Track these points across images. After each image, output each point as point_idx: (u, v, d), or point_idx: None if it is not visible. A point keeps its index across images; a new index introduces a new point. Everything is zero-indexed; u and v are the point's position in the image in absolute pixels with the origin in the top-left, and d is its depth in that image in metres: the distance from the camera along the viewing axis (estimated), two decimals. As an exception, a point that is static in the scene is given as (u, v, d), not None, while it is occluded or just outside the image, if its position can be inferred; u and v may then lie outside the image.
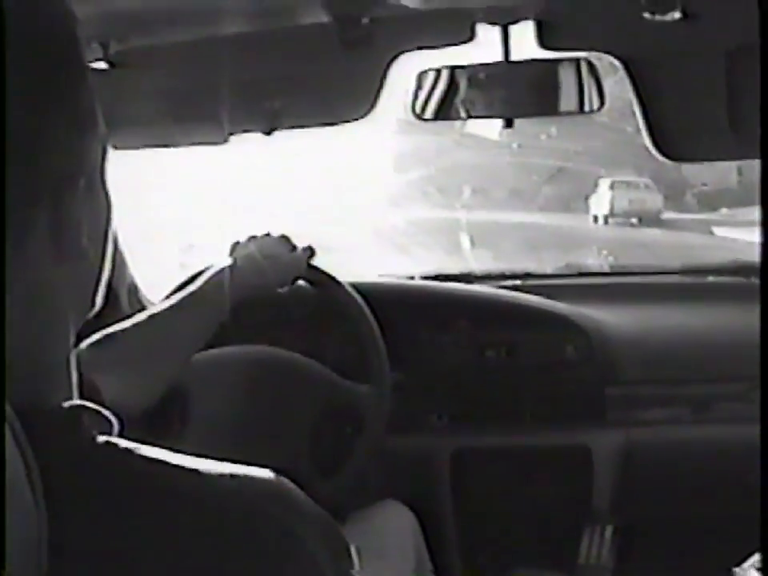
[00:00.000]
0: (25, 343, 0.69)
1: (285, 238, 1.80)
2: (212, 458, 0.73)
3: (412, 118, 1.84)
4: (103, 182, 0.76)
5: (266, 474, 0.73)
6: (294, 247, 1.81)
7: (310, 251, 1.84)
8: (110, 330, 1.50)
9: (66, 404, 0.70)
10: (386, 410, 1.92)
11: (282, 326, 2.12)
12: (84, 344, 1.41)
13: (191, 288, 1.60)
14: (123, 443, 0.70)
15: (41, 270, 0.70)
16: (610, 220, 13.88)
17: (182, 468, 0.70)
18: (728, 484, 2.12)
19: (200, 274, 1.85)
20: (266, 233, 1.80)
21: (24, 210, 0.68)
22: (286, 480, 0.74)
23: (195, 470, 0.70)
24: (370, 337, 1.95)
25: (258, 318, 2.03)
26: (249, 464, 0.73)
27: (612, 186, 14.02)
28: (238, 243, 1.76)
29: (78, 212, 0.72)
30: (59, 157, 0.70)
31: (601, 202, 13.97)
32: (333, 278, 1.94)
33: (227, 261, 1.69)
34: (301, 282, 1.93)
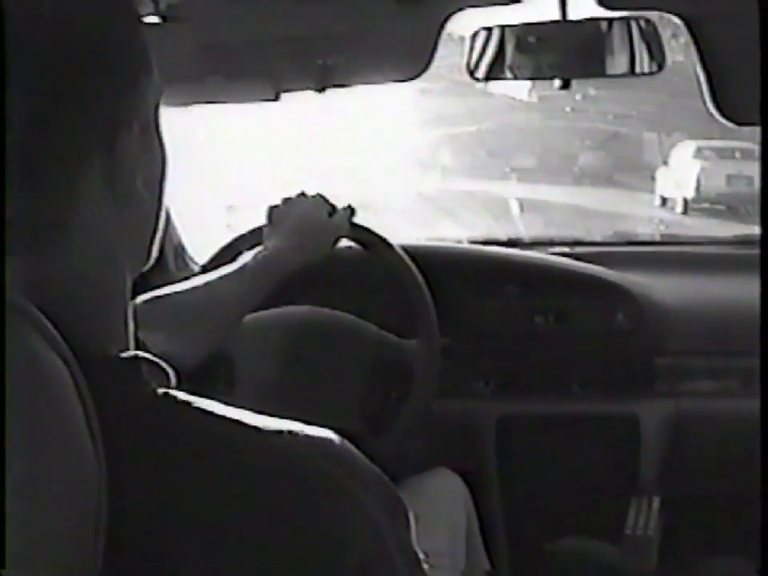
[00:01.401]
0: (83, 289, 0.69)
1: (321, 199, 1.77)
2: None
3: (463, 79, 1.81)
4: (158, 132, 0.76)
5: (325, 433, 0.73)
6: (333, 208, 1.79)
7: (351, 211, 1.82)
8: (162, 290, 1.51)
9: (125, 354, 0.70)
10: (436, 366, 1.92)
11: (330, 287, 2.10)
12: (137, 300, 1.41)
13: (238, 263, 1.61)
14: (182, 395, 0.71)
15: (96, 215, 0.70)
16: (694, 206, 10.20)
17: (241, 423, 0.70)
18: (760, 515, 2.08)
19: (242, 237, 1.85)
20: (301, 192, 1.78)
21: (78, 153, 0.68)
22: (345, 441, 0.73)
23: (254, 426, 0.70)
24: (419, 296, 1.94)
25: (305, 278, 2.01)
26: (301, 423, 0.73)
27: (698, 154, 10.07)
28: (274, 207, 1.75)
29: (133, 157, 0.72)
30: (113, 102, 0.70)
31: (679, 178, 10.18)
32: (383, 239, 1.93)
33: (267, 239, 1.69)
34: (351, 243, 1.92)
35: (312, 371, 1.93)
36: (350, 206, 1.81)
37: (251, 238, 1.84)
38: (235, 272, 1.59)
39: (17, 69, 0.64)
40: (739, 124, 1.64)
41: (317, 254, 1.74)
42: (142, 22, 0.76)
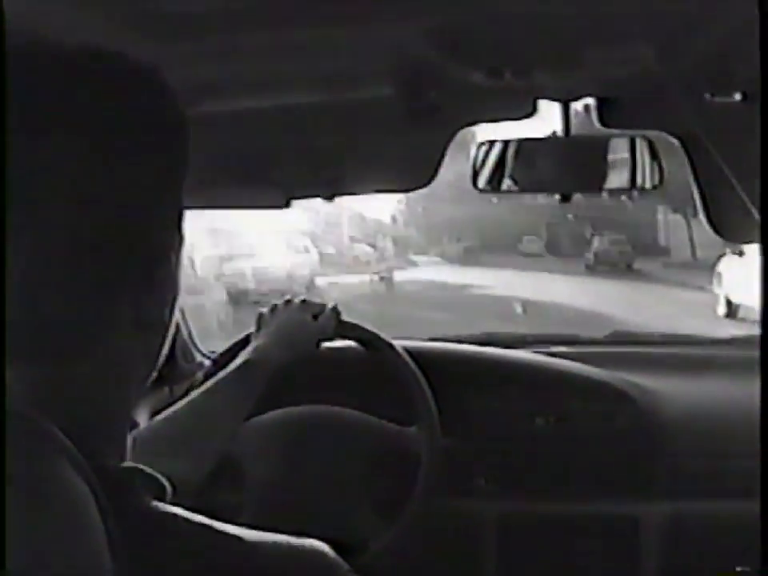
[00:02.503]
0: (92, 404, 0.72)
1: (306, 304, 1.88)
2: (271, 524, 0.76)
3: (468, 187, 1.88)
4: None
5: (307, 543, 0.76)
6: (321, 310, 1.88)
7: (335, 312, 1.92)
8: (160, 415, 1.57)
9: (124, 465, 0.74)
10: (438, 451, 1.97)
11: (328, 385, 2.15)
12: (141, 427, 1.48)
13: (223, 373, 1.67)
14: (171, 508, 0.74)
15: (119, 338, 0.73)
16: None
17: (226, 534, 0.73)
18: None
19: (240, 343, 1.92)
20: (287, 299, 1.90)
21: (115, 279, 0.72)
22: (327, 550, 0.76)
23: (237, 537, 0.73)
24: (414, 384, 2.01)
25: (305, 379, 2.06)
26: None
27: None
28: (262, 315, 1.86)
29: (165, 289, 0.76)
30: (158, 235, 0.74)
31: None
32: (384, 340, 2.00)
33: (253, 341, 1.79)
34: (352, 343, 2.00)
35: (317, 468, 1.97)
36: (334, 308, 1.91)
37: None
38: (223, 380, 1.65)
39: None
40: (730, 240, 1.70)
41: (301, 352, 1.83)
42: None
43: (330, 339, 1.94)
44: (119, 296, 0.72)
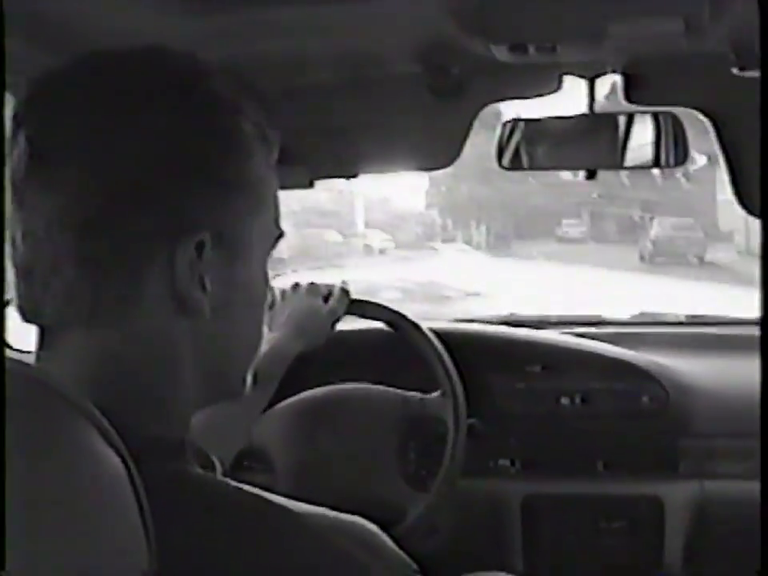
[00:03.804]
0: (147, 376, 0.75)
1: (314, 286, 1.89)
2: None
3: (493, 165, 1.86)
4: (250, 248, 0.83)
5: (354, 518, 0.76)
6: (330, 291, 1.90)
7: (345, 292, 1.93)
8: None
9: (186, 438, 0.76)
10: (463, 415, 1.98)
11: (347, 366, 2.15)
12: None
13: None
14: (221, 477, 0.76)
15: (156, 311, 0.75)
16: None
17: (273, 503, 0.74)
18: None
19: None
20: (295, 284, 1.91)
21: (141, 252, 0.74)
22: (371, 525, 0.77)
23: (287, 508, 0.74)
24: (437, 358, 2.01)
25: (323, 360, 2.06)
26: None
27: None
28: (273, 301, 1.87)
29: (194, 268, 0.77)
30: (178, 211, 0.76)
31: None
32: (412, 322, 2.00)
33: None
34: (382, 325, 2.00)
35: (345, 446, 1.97)
36: (342, 288, 1.90)
37: None
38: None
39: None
40: (757, 216, 1.68)
41: (316, 339, 1.85)
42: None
43: (347, 316, 1.95)
44: (145, 264, 0.74)
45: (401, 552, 0.78)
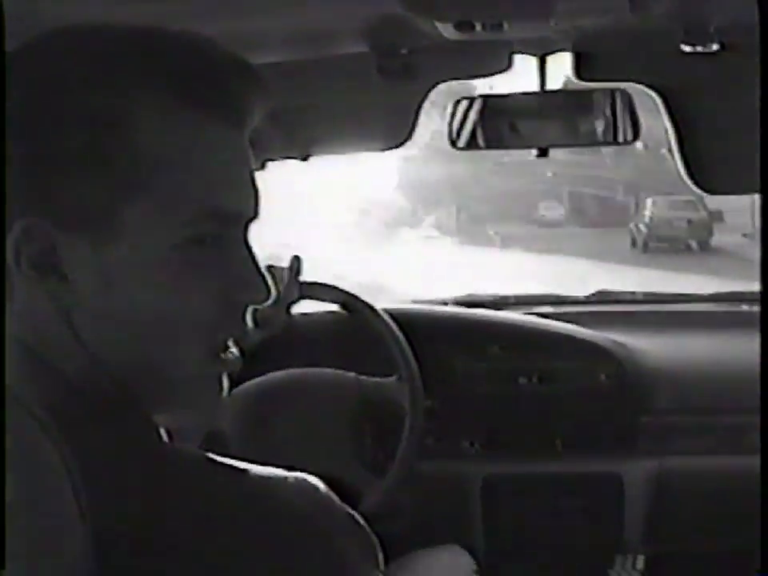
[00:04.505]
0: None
1: (271, 269, 1.88)
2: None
3: (446, 146, 1.85)
4: None
5: (298, 475, 0.78)
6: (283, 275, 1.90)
7: (294, 272, 1.91)
8: None
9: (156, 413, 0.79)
10: (420, 399, 1.97)
11: (303, 349, 2.14)
12: None
13: None
14: (189, 449, 0.81)
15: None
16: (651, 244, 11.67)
17: (232, 467, 0.79)
18: (758, 516, 2.11)
19: None
20: None
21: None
22: (317, 481, 0.78)
23: (242, 469, 0.79)
24: (392, 341, 2.00)
25: (280, 345, 2.06)
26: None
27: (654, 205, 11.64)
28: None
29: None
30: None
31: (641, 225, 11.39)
32: (366, 304, 1.99)
33: None
34: (336, 308, 1.99)
35: (301, 430, 1.97)
36: (290, 268, 1.89)
37: None
38: None
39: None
40: (710, 192, 1.69)
41: (273, 327, 1.85)
42: None
43: (302, 299, 1.95)
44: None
45: (353, 512, 0.80)
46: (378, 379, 1.99)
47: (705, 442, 2.19)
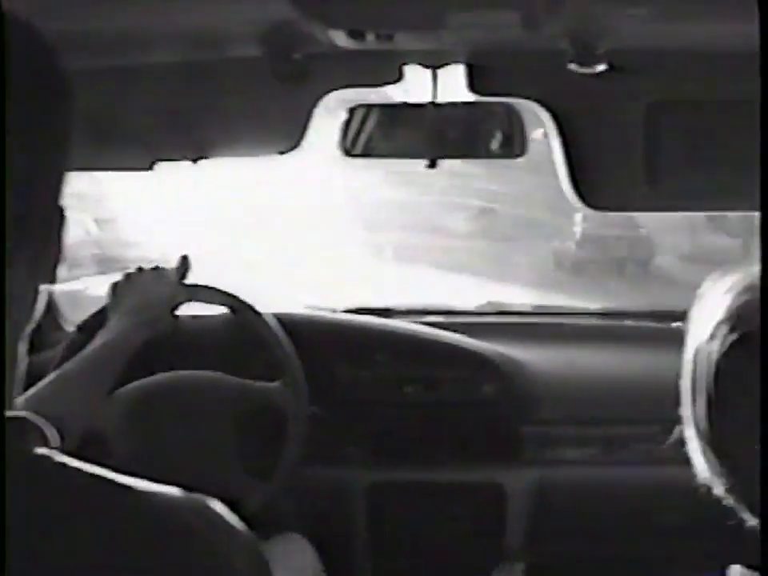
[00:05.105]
0: None
1: (159, 271, 1.89)
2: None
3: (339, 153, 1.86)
4: None
5: (197, 495, 0.76)
6: (172, 276, 1.92)
7: (181, 273, 1.92)
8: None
9: (9, 413, 0.72)
10: (304, 406, 1.98)
11: (188, 352, 2.13)
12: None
13: (85, 351, 1.74)
14: (59, 456, 0.73)
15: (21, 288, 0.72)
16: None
17: (115, 483, 0.72)
18: (638, 524, 2.16)
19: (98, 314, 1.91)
20: (139, 267, 1.92)
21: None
22: (212, 500, 0.76)
23: (126, 486, 0.73)
24: (277, 343, 2.01)
25: (179, 345, 2.04)
26: (181, 486, 0.76)
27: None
28: (116, 285, 1.88)
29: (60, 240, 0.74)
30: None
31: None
32: (251, 307, 1.99)
33: (110, 317, 1.83)
34: (224, 310, 1.99)
35: (183, 433, 1.95)
36: (177, 269, 1.89)
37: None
38: (84, 359, 1.72)
39: None
40: (592, 207, 1.72)
41: (160, 326, 1.86)
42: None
43: (189, 301, 1.95)
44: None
45: (248, 531, 0.79)
46: (262, 383, 1.99)
47: (586, 452, 2.23)
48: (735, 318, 0.80)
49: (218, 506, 0.76)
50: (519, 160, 1.79)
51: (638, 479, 2.20)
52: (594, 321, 2.64)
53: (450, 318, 2.57)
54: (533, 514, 2.22)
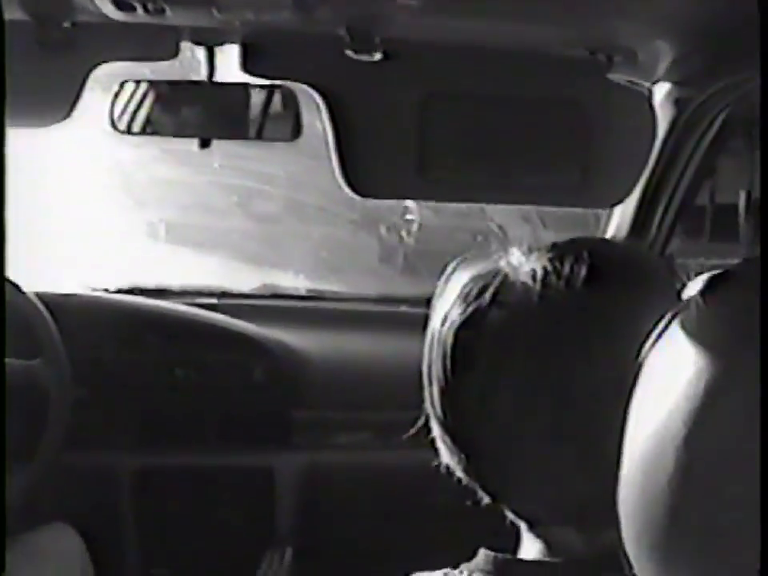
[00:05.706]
0: None
1: None
2: None
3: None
4: None
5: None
6: None
7: None
8: None
9: None
10: (67, 385, 1.94)
11: None
12: None
13: None
14: None
15: None
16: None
17: None
18: (407, 507, 2.21)
19: None
20: None
21: None
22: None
23: None
24: (37, 322, 1.96)
25: None
26: None
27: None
28: None
29: None
30: None
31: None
32: (13, 284, 1.91)
33: None
34: None
35: None
36: None
37: None
38: None
39: None
40: (360, 194, 1.74)
41: None
42: None
43: None
44: None
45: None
46: (22, 361, 1.91)
47: (357, 436, 2.26)
48: (463, 299, 0.81)
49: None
50: (298, 143, 1.79)
51: (407, 463, 2.24)
52: (368, 306, 2.67)
53: (224, 300, 2.54)
54: (302, 498, 2.23)
